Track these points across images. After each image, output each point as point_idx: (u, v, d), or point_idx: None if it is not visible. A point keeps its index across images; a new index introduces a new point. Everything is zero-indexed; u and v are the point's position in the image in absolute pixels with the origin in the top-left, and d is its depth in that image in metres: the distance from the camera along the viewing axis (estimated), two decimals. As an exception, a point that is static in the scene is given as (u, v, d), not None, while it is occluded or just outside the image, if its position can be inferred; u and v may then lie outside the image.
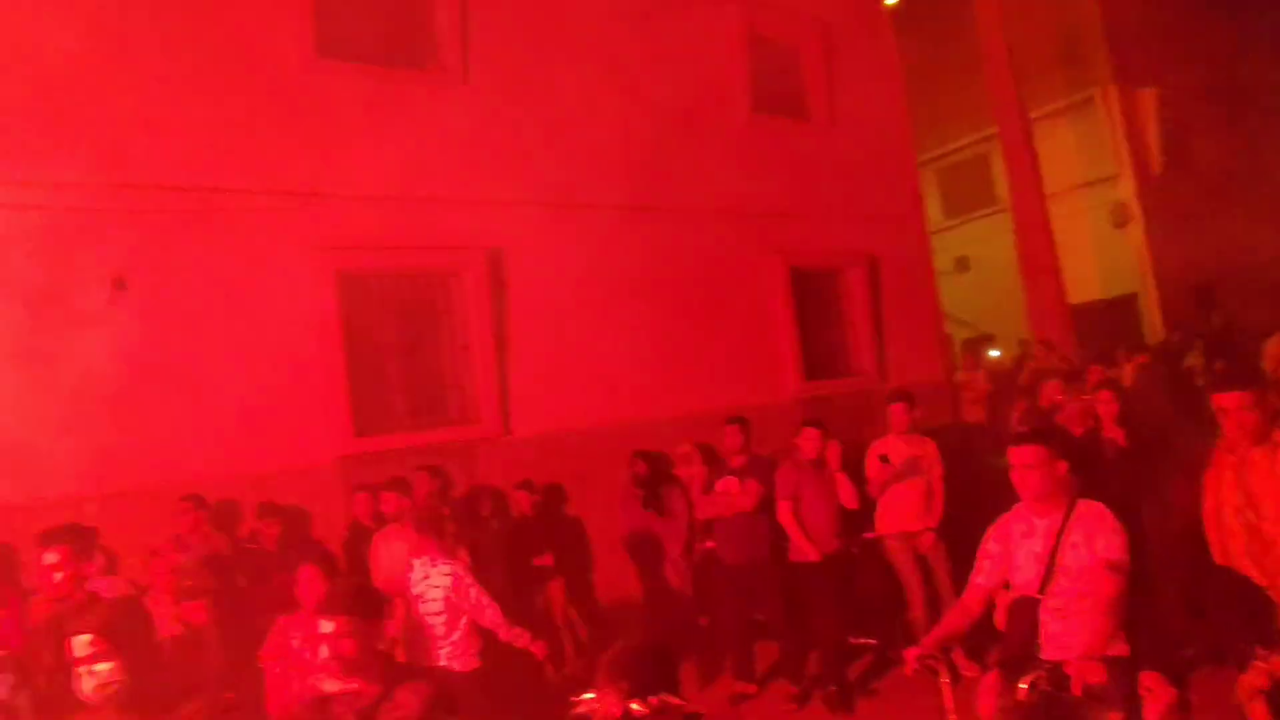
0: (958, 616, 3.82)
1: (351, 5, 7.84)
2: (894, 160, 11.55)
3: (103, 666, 2.88)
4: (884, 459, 6.64)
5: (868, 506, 6.71)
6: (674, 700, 2.65)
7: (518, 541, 7.07)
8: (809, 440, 6.55)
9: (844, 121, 11.02)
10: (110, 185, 6.39)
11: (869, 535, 6.79)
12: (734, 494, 6.62)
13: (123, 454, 6.15)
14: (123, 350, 6.24)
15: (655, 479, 7.88)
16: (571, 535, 7.64)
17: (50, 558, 4.37)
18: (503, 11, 8.53)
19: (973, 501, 5.77)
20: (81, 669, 2.90)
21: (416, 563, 5.35)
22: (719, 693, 6.52)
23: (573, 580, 7.44)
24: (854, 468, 6.67)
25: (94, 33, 6.51)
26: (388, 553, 6.19)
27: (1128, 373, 9.47)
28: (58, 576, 4.36)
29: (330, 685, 3.12)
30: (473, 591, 5.10)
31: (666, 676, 2.70)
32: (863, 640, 6.72)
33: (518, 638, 5.05)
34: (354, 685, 3.04)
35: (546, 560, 7.17)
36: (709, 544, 7.14)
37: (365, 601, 3.20)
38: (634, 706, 2.51)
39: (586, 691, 2.76)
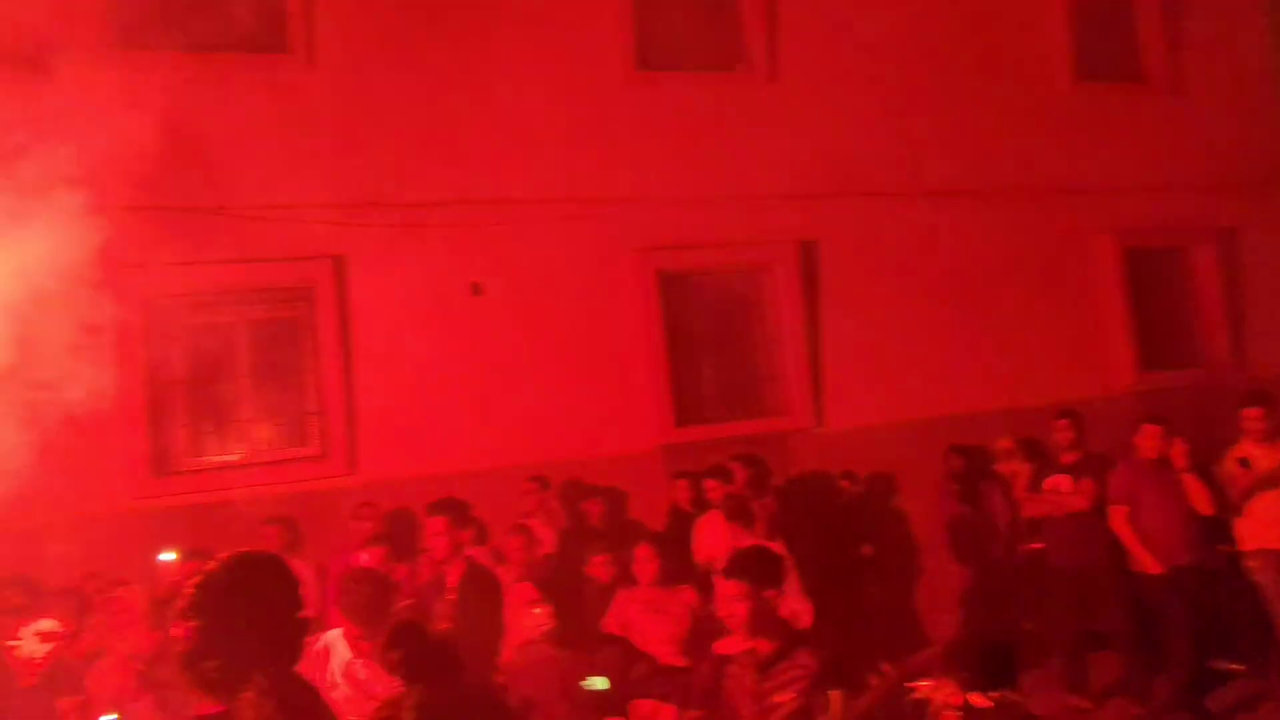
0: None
1: (666, 18, 8.30)
2: (1250, 118, 10.14)
3: (539, 610, 3.45)
4: (1244, 463, 5.93)
5: (1227, 515, 6.02)
6: (1014, 696, 2.64)
7: (837, 531, 7.14)
8: (1149, 438, 6.01)
9: (1188, 80, 9.87)
10: (467, 202, 7.29)
11: (1225, 548, 6.09)
12: (1066, 493, 6.24)
13: (483, 437, 7.05)
14: (481, 347, 7.16)
15: (972, 474, 7.61)
16: (892, 528, 7.60)
17: (435, 526, 5.14)
18: (808, 6, 8.60)
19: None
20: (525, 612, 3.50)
21: (735, 548, 5.62)
22: (1048, 702, 6.18)
23: (891, 573, 7.39)
24: (1209, 469, 6.01)
25: (402, 71, 7.45)
26: (709, 536, 6.54)
27: None
28: (440, 542, 5.13)
29: (730, 645, 3.38)
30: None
31: (1007, 673, 2.69)
32: (1226, 665, 6.03)
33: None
34: (752, 644, 3.25)
35: (865, 551, 7.19)
36: (1036, 545, 6.79)
37: (761, 567, 3.40)
38: (976, 699, 2.54)
39: (921, 680, 2.81)
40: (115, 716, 3.59)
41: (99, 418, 6.43)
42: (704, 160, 8.05)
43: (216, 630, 1.97)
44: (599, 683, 3.30)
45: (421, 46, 7.48)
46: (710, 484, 6.71)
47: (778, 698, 3.13)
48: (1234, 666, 6.00)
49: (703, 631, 5.26)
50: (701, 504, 6.90)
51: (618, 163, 7.82)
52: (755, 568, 3.36)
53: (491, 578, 5.20)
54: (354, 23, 7.31)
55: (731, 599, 3.27)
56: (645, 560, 5.24)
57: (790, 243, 8.23)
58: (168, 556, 5.78)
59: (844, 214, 8.28)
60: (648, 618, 5.06)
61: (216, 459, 6.79)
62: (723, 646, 3.42)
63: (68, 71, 6.25)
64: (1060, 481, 6.31)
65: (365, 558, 5.34)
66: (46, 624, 4.08)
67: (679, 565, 5.92)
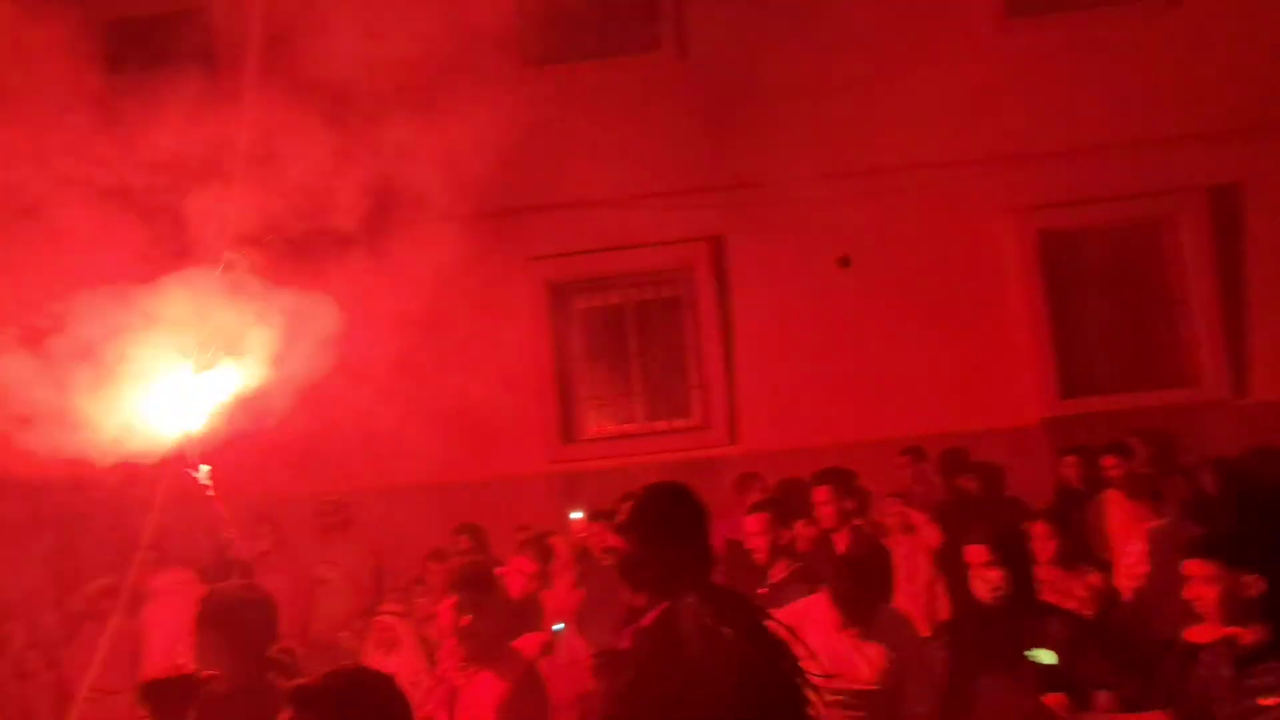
0: None
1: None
2: None
3: (993, 574, 3.44)
4: None
5: None
6: None
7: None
8: None
9: None
10: (836, 175, 7.29)
11: None
12: None
13: (858, 409, 7.08)
14: (854, 319, 7.19)
15: None
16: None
17: (821, 494, 5.29)
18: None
19: None
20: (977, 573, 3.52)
21: (1150, 529, 5.15)
22: None
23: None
24: None
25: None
26: (1108, 517, 6.04)
27: None
28: (827, 511, 5.26)
29: (1202, 632, 3.12)
30: None
31: None
32: None
33: None
34: (1229, 632, 2.98)
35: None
36: None
37: (1238, 547, 3.08)
38: None
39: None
40: (563, 625, 4.45)
41: (520, 391, 7.44)
42: (1089, 106, 7.34)
43: (648, 542, 2.42)
44: (1045, 656, 3.17)
45: (782, 25, 7.59)
46: (1108, 461, 6.17)
47: (1263, 700, 2.77)
48: None
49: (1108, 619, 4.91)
50: (1094, 482, 6.38)
51: (991, 118, 7.37)
52: (1231, 547, 3.01)
53: (880, 546, 5.24)
54: (718, 12, 7.60)
55: (1201, 580, 2.96)
56: (1043, 538, 4.96)
57: (1197, 190, 7.30)
58: (576, 515, 6.48)
59: (1270, 151, 7.14)
60: (1049, 599, 4.81)
61: (612, 429, 7.52)
62: (1194, 634, 3.11)
63: (464, 91, 7.19)
64: None
65: (751, 524, 5.60)
66: (521, 562, 4.91)
67: (1072, 546, 5.54)
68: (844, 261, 7.35)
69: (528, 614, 4.61)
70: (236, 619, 2.93)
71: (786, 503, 5.96)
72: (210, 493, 3.29)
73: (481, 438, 7.08)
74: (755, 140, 7.37)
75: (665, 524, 2.47)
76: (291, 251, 6.39)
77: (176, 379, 3.50)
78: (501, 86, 7.40)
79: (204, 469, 3.30)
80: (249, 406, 3.79)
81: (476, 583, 3.36)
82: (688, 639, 2.31)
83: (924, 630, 5.16)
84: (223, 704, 2.91)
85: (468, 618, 3.24)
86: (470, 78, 7.23)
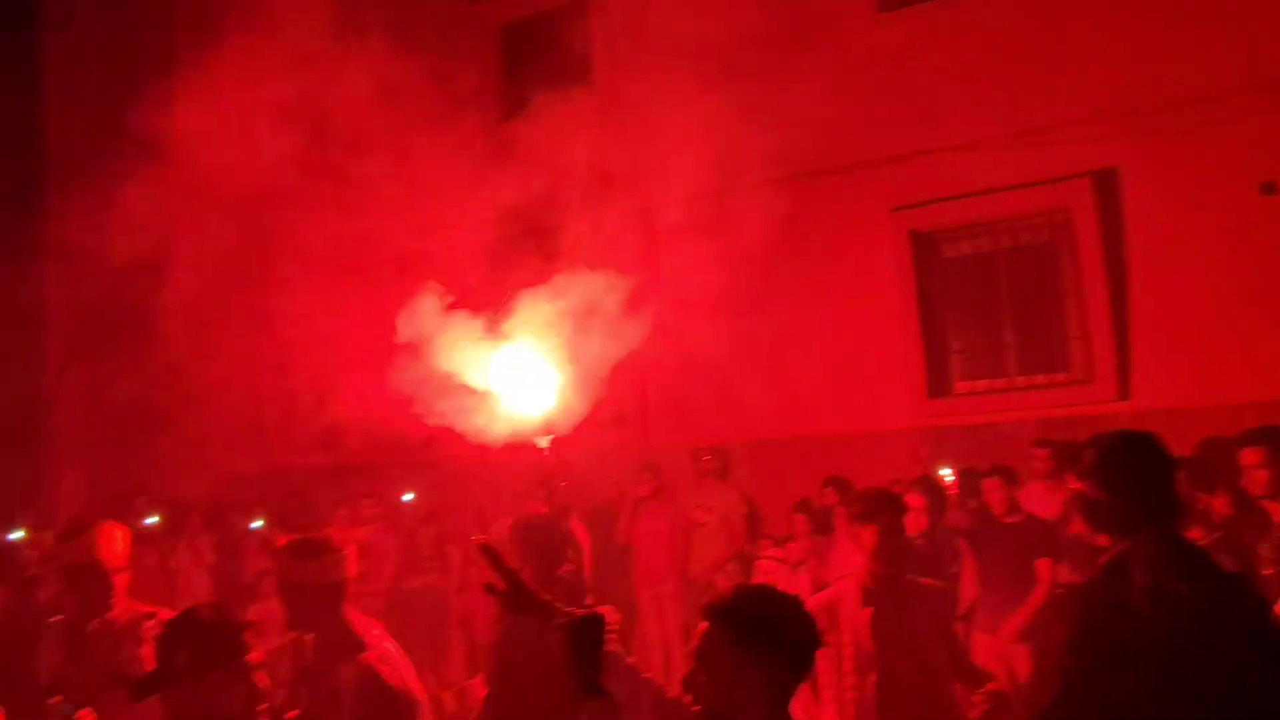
0: None
1: None
2: None
3: None
4: None
5: None
6: None
7: None
8: None
9: None
10: (1257, 86, 6.21)
11: None
12: None
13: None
14: (1274, 257, 6.13)
15: None
16: None
17: (1251, 456, 4.63)
18: None
19: None
20: None
21: None
22: None
23: None
24: None
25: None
26: None
27: None
28: (1259, 475, 4.60)
29: None
30: None
31: None
32: None
33: None
34: None
35: None
36: None
37: None
38: None
39: None
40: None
41: (885, 345, 7.32)
42: None
43: (1110, 486, 2.50)
44: None
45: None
46: None
47: None
48: None
49: None
50: None
51: None
52: None
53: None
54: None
55: None
56: None
57: None
58: (945, 471, 6.25)
59: None
60: None
61: (982, 383, 7.12)
62: None
63: (819, 47, 7.11)
64: None
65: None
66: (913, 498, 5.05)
67: None
68: (1269, 188, 6.26)
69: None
70: (530, 540, 3.65)
71: (1203, 465, 5.34)
72: (547, 454, 3.85)
73: (846, 392, 7.05)
74: (1152, 56, 6.46)
75: (1128, 469, 2.51)
76: (653, 222, 6.82)
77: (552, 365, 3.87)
78: (855, 37, 7.24)
79: (545, 439, 3.82)
80: (626, 371, 4.12)
81: (896, 509, 3.49)
82: (1139, 583, 2.35)
83: None
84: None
85: (895, 542, 3.39)
86: (824, 33, 7.16)
